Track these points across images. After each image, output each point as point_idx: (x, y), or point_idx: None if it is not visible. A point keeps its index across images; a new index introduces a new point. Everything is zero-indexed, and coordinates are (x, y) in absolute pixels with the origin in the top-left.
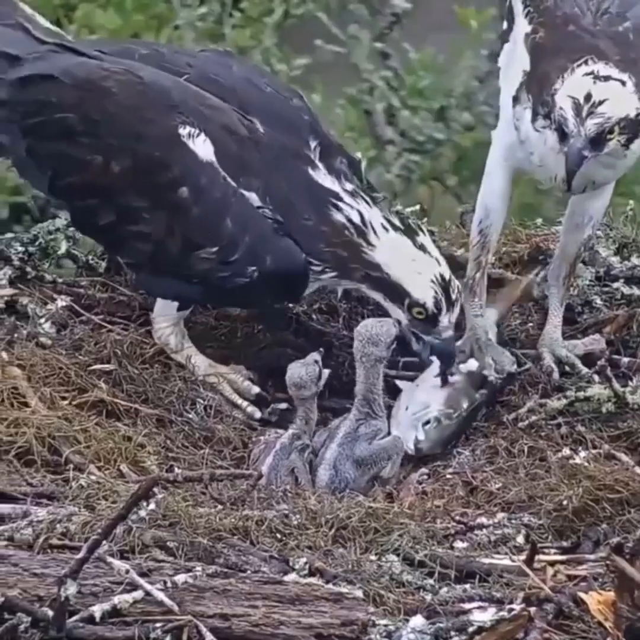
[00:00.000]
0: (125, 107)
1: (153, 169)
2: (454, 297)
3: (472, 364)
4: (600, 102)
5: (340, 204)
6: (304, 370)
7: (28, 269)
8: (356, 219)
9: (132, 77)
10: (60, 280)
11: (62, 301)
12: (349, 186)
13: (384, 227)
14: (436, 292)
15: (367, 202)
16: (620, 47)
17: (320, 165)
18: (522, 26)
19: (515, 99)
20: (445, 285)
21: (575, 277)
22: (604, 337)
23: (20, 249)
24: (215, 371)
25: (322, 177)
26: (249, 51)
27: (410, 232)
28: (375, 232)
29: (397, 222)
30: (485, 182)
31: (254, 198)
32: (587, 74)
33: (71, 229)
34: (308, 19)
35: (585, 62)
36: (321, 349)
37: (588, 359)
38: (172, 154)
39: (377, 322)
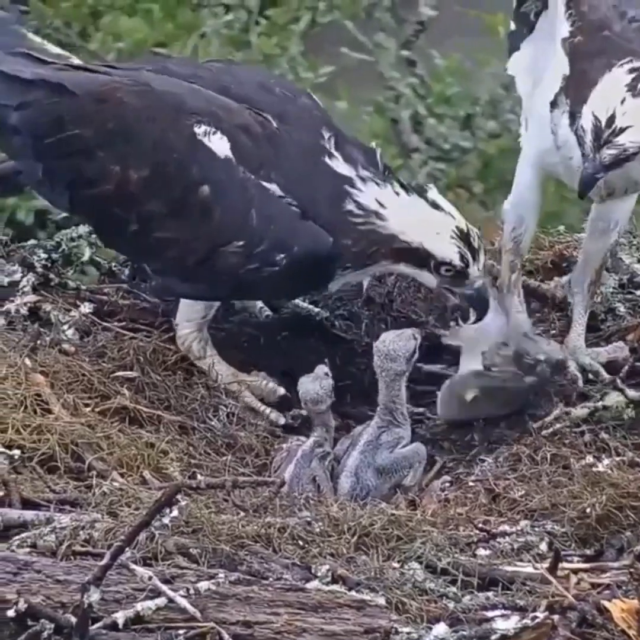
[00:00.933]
0: (138, 114)
1: (172, 171)
2: (476, 245)
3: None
4: (622, 131)
5: (353, 190)
6: (318, 385)
7: (51, 275)
8: (365, 201)
9: (141, 86)
10: (83, 287)
11: (85, 308)
12: (365, 173)
13: (396, 193)
14: (459, 247)
15: (377, 184)
16: None
17: (337, 154)
18: (563, 30)
19: (553, 104)
20: (465, 237)
21: (600, 285)
22: (627, 344)
23: (44, 256)
24: (237, 379)
25: (340, 165)
26: (274, 59)
27: (420, 191)
28: (382, 206)
29: (406, 185)
30: (516, 189)
31: (275, 188)
32: (632, 71)
33: (94, 236)
34: (334, 27)
35: (629, 62)
36: (326, 360)
37: (611, 366)
38: (190, 154)
39: (395, 337)
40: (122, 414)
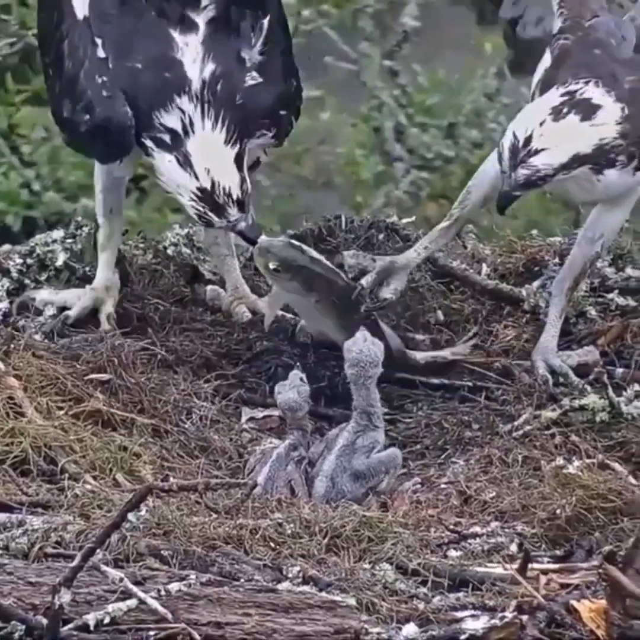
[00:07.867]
0: None
1: (53, 24)
2: (221, 201)
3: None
4: (536, 152)
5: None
6: (296, 393)
7: (26, 281)
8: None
9: None
10: None
11: None
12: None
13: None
14: (197, 208)
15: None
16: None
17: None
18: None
19: (532, 96)
20: (207, 196)
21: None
22: (598, 348)
23: (19, 261)
24: None
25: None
26: None
27: (176, 146)
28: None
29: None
30: (485, 165)
31: (99, 47)
32: (565, 94)
33: (68, 241)
34: (318, 37)
35: (570, 84)
36: (298, 364)
37: (582, 369)
38: (61, 14)
39: (368, 342)
40: (96, 417)
